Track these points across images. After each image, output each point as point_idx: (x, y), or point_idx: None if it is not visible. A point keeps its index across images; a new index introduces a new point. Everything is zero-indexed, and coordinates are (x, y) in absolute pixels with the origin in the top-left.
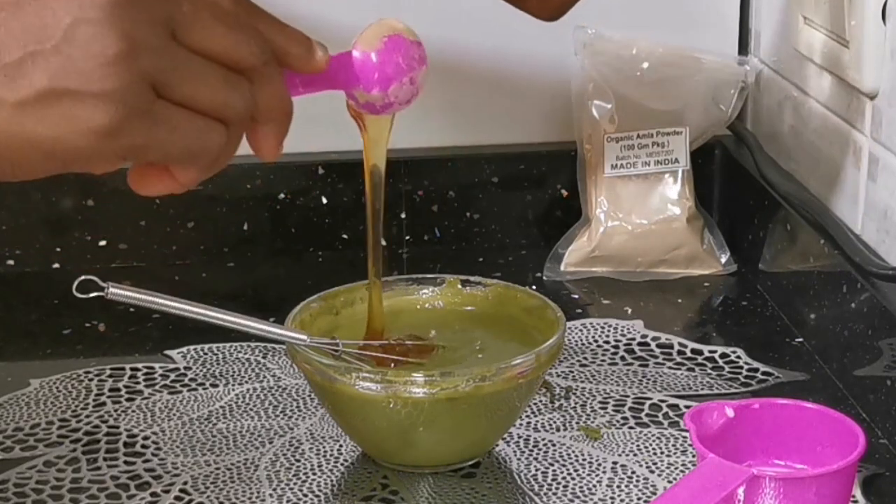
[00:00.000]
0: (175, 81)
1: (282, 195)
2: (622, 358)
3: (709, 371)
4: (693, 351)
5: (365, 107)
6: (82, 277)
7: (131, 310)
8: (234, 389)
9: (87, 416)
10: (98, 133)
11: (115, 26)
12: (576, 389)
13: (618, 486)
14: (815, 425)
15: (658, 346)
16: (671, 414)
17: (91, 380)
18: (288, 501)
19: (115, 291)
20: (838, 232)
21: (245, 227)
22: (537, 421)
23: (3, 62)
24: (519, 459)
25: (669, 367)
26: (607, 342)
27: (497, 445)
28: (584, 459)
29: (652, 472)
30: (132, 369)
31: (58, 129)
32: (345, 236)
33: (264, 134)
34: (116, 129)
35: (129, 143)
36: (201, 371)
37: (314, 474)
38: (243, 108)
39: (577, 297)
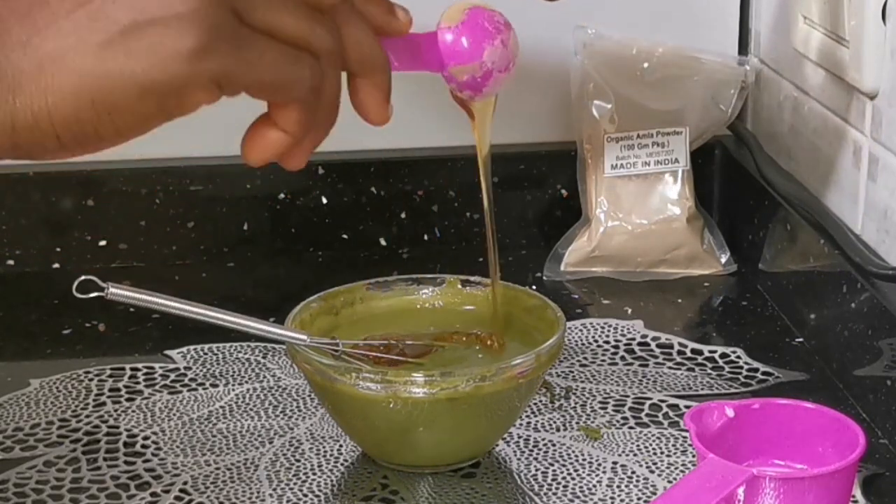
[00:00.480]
0: (256, 7)
1: (282, 195)
2: (622, 358)
3: (709, 371)
4: (693, 351)
5: (467, 85)
6: (82, 277)
7: (131, 310)
8: (234, 389)
9: (87, 416)
10: (186, 56)
11: None
12: (576, 389)
13: (618, 486)
14: (815, 425)
15: (658, 346)
16: (671, 414)
17: (91, 380)
18: (288, 501)
19: (115, 291)
20: (838, 232)
21: (245, 227)
22: (537, 421)
23: (87, 6)
24: (519, 459)
25: (669, 367)
26: (607, 342)
27: (497, 445)
28: (584, 459)
29: (652, 472)
30: (132, 369)
31: (147, 60)
32: (345, 236)
33: (365, 90)
34: (203, 48)
35: (219, 66)
36: (201, 371)
37: (314, 474)
38: (329, 39)
39: (577, 297)
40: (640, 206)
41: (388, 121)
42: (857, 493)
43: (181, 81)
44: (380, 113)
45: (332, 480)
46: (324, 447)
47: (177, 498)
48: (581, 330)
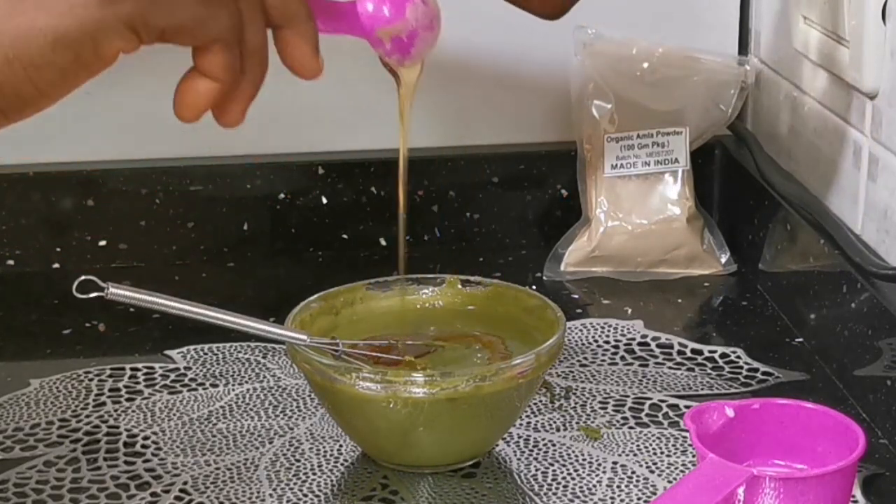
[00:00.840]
0: None
1: (282, 195)
2: (622, 358)
3: (709, 371)
4: (693, 351)
5: (394, 49)
6: (82, 277)
7: (131, 310)
8: (234, 389)
9: (87, 416)
10: (97, 0)
11: None
12: (576, 389)
13: (618, 486)
14: (815, 425)
15: (658, 346)
16: (671, 414)
17: (91, 380)
18: (288, 501)
19: (115, 291)
20: (838, 232)
21: (245, 227)
22: (537, 421)
23: None
24: (519, 459)
25: (669, 367)
26: (607, 342)
27: (497, 445)
28: (584, 459)
29: (652, 472)
30: (132, 369)
31: (57, 9)
32: (345, 236)
33: (290, 40)
34: None
35: (131, 9)
36: (201, 371)
37: (314, 474)
38: None
39: (577, 297)
40: (640, 206)
41: (319, 74)
42: (857, 493)
43: (94, 27)
44: (309, 65)
45: (332, 480)
46: (324, 447)
47: (177, 498)
48: (581, 330)
